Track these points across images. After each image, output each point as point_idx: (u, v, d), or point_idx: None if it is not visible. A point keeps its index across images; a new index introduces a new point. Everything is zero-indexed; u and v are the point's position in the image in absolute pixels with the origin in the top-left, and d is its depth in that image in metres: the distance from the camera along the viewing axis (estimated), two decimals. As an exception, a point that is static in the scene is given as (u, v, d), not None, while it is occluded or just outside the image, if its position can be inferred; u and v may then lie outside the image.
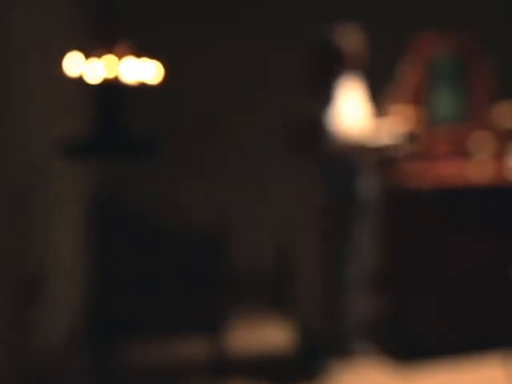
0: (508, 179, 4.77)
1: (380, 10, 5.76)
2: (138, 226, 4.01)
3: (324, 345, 4.43)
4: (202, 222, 5.00)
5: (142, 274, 3.95)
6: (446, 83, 5.02)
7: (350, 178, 4.40)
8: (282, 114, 4.68)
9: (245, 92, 6.20)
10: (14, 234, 3.65)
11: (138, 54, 4.01)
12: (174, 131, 5.87)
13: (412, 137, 4.59)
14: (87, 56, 3.89)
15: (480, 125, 4.99)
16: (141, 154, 4.32)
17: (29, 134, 3.93)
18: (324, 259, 4.38)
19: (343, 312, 4.44)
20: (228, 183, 6.20)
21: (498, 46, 5.82)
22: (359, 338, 4.56)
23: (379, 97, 4.83)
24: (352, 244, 4.41)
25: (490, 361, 4.53)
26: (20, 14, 3.77)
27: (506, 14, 6.30)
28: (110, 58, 3.88)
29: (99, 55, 3.88)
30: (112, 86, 3.88)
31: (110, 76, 3.88)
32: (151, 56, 4.09)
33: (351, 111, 4.45)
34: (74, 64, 3.88)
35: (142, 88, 4.05)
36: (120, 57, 3.91)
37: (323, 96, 4.41)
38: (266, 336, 4.99)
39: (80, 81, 3.89)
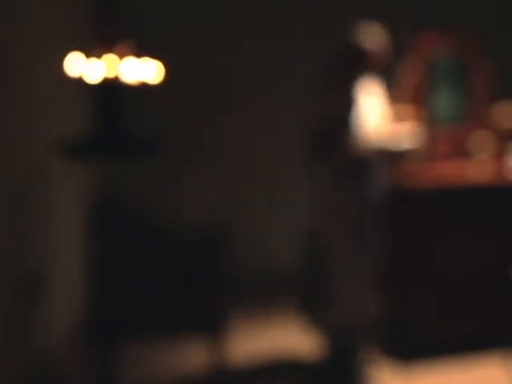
0: (508, 179, 4.77)
1: (380, 10, 5.76)
2: (138, 226, 4.01)
3: (358, 345, 4.37)
4: (202, 222, 5.00)
5: (142, 274, 3.95)
6: (445, 83, 5.02)
7: (368, 180, 4.34)
8: (297, 114, 4.62)
9: (245, 92, 6.21)
10: (14, 233, 3.65)
11: (139, 54, 4.01)
12: (174, 131, 5.87)
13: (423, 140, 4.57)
14: (87, 56, 3.89)
15: (480, 125, 4.99)
16: (141, 154, 4.32)
17: (29, 133, 3.93)
18: (358, 259, 4.34)
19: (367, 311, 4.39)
20: (228, 183, 6.20)
21: (498, 46, 5.83)
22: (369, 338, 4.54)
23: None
24: (367, 244, 4.35)
25: (490, 361, 4.53)
26: (20, 14, 3.77)
27: (506, 14, 6.30)
28: (110, 58, 3.88)
29: (99, 55, 3.88)
30: (112, 86, 3.87)
31: (111, 76, 3.87)
32: (151, 56, 4.09)
33: (371, 113, 4.36)
34: (75, 64, 3.88)
35: (143, 88, 4.05)
36: (120, 57, 3.90)
37: (346, 97, 4.29)
38: (268, 336, 4.99)
39: (80, 81, 3.89)
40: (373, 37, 4.33)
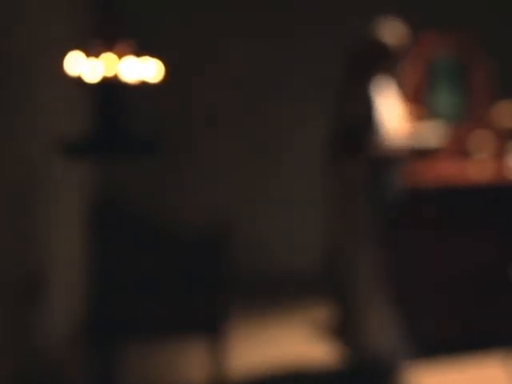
0: (508, 179, 4.77)
1: (380, 10, 5.76)
2: (138, 226, 4.01)
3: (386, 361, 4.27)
4: (202, 222, 5.00)
5: (142, 274, 3.95)
6: (446, 83, 5.02)
7: (392, 179, 4.27)
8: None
9: (245, 92, 6.21)
10: (14, 233, 3.65)
11: (138, 53, 4.01)
12: (173, 131, 5.87)
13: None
14: (87, 55, 3.89)
15: (480, 124, 4.99)
16: (141, 154, 4.31)
17: (29, 133, 3.93)
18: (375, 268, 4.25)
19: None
20: (228, 183, 6.20)
21: (498, 46, 5.83)
22: None
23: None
24: (379, 244, 4.30)
25: (490, 360, 4.52)
26: (20, 14, 3.77)
27: (506, 14, 6.30)
28: (110, 57, 3.87)
29: (99, 54, 3.88)
30: (112, 86, 3.87)
31: (110, 75, 3.87)
32: (151, 55, 4.09)
33: (389, 111, 4.26)
34: (75, 63, 3.88)
35: (143, 87, 4.05)
36: (120, 56, 3.90)
37: (370, 95, 4.16)
38: (268, 337, 4.99)
39: (80, 80, 3.89)
40: (393, 32, 4.22)
